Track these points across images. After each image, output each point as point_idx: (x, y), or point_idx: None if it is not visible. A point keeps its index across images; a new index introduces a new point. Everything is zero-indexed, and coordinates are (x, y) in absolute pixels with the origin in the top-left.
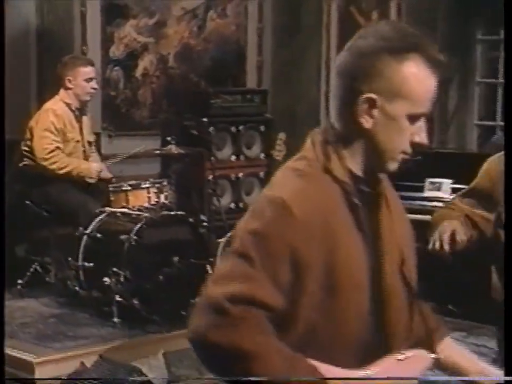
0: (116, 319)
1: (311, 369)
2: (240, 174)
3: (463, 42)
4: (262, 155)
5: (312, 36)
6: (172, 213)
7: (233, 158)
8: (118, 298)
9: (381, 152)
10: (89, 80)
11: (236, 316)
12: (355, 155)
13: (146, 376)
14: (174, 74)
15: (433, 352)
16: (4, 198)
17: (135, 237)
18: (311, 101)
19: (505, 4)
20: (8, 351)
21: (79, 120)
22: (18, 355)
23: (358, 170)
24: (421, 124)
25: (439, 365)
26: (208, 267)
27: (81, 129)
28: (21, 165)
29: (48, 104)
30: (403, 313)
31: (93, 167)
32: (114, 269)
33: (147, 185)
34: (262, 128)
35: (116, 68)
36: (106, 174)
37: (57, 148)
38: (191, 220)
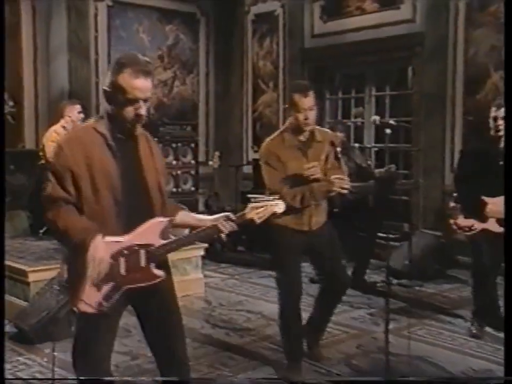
0: None
1: (95, 233)
2: (179, 172)
3: (319, 99)
4: (192, 161)
5: (237, 97)
6: None
7: (174, 162)
8: None
9: (121, 118)
10: (79, 112)
11: (49, 206)
12: (111, 119)
13: None
14: (153, 118)
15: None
16: (4, 198)
17: None
18: (237, 134)
19: (505, 5)
20: (15, 264)
21: None
22: (19, 266)
23: (115, 128)
24: (140, 104)
25: (177, 226)
26: None
27: None
28: (39, 163)
29: (52, 128)
30: (157, 205)
31: None
32: None
33: None
34: (192, 145)
35: None
36: None
37: None
38: None
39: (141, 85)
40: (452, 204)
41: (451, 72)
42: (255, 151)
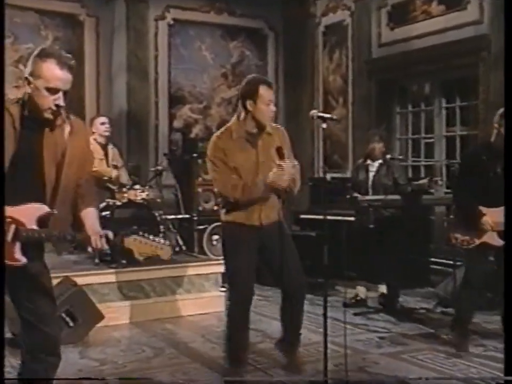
0: (96, 261)
1: None
2: None
3: (388, 114)
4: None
5: (306, 116)
6: (134, 201)
7: None
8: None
9: (37, 105)
10: (102, 123)
11: None
12: (26, 104)
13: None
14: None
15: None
16: (3, 198)
17: (107, 214)
18: (308, 153)
19: (505, 5)
20: None
21: (104, 149)
22: None
23: (28, 113)
24: (59, 95)
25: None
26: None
27: (106, 154)
28: None
29: None
30: (48, 192)
31: (111, 171)
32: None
33: (137, 188)
34: None
35: (177, 133)
36: (119, 178)
37: None
38: (146, 204)
39: (64, 76)
40: (452, 216)
41: None
42: (324, 172)
